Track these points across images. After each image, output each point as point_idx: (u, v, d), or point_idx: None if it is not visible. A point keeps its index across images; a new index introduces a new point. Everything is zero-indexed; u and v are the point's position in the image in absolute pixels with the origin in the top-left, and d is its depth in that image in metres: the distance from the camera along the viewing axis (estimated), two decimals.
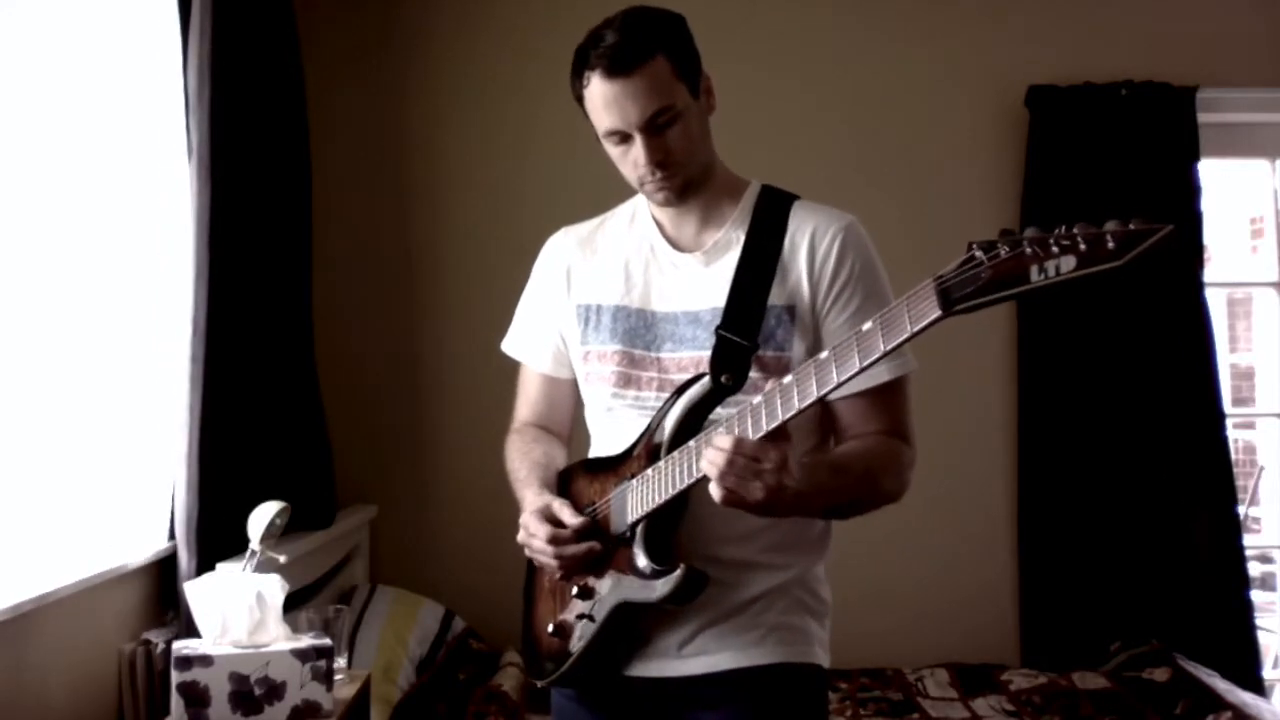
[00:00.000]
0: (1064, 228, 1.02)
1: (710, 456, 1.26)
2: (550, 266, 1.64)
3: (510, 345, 1.71)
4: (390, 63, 3.41)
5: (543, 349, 1.66)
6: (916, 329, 1.12)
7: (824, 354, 1.22)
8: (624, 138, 1.44)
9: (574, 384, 1.65)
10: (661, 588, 1.38)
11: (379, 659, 2.66)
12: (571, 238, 1.64)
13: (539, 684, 1.59)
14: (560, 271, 1.62)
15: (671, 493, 1.37)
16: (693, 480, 1.34)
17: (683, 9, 1.49)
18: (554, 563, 1.46)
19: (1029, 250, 1.03)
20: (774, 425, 1.26)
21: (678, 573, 1.37)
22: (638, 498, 1.43)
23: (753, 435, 1.27)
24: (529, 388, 1.70)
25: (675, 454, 1.38)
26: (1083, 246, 1.00)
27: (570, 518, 1.46)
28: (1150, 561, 3.26)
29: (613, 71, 1.40)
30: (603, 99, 1.42)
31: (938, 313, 1.09)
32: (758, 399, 1.29)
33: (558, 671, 1.52)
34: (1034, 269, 1.02)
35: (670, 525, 1.43)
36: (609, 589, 1.45)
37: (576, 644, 1.49)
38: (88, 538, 2.12)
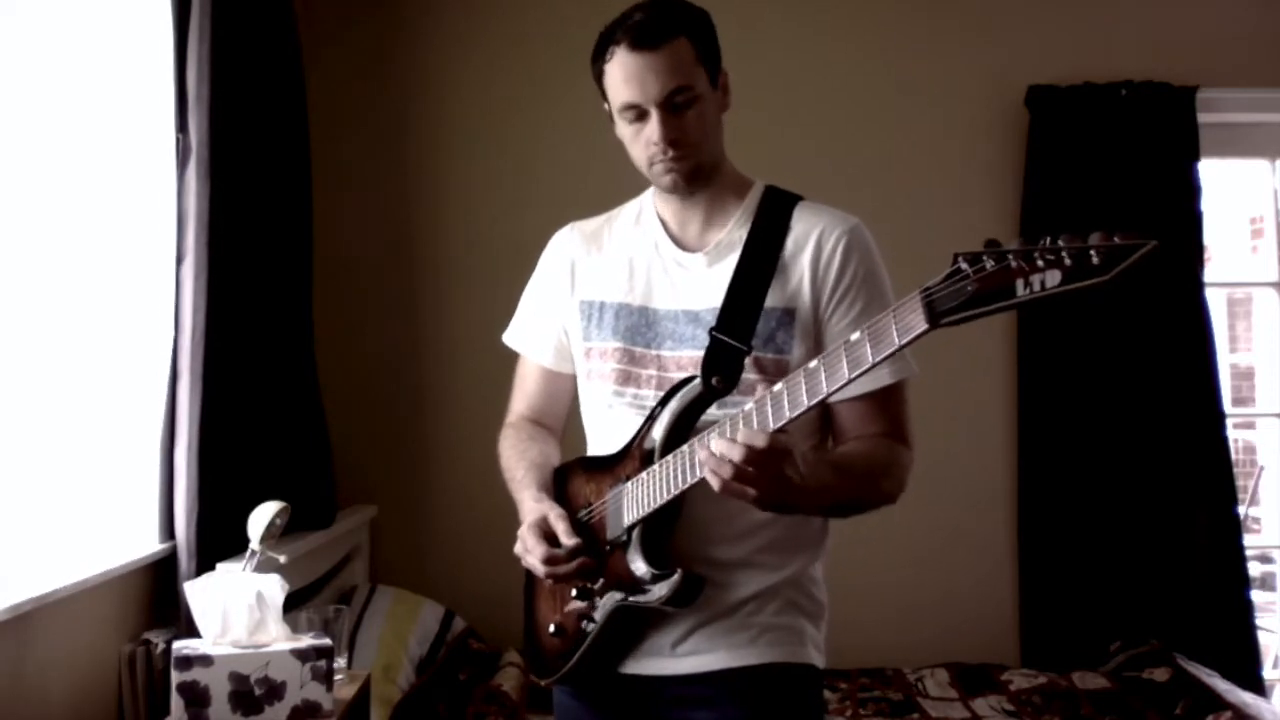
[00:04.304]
0: (1048, 239, 1.03)
1: (718, 449, 1.26)
2: (555, 261, 1.65)
3: (512, 337, 1.71)
4: (392, 62, 3.40)
5: (545, 342, 1.66)
6: (904, 342, 1.14)
7: (813, 363, 1.24)
8: (640, 115, 1.44)
9: (574, 379, 1.65)
10: (659, 592, 1.40)
11: (379, 659, 2.66)
12: (577, 234, 1.64)
13: (542, 683, 1.61)
14: (565, 267, 1.62)
15: (666, 497, 1.39)
16: (688, 485, 1.35)
17: None
18: (549, 579, 1.48)
19: (1014, 264, 1.04)
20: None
21: (675, 577, 1.38)
22: (633, 500, 1.44)
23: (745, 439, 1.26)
24: (528, 381, 1.71)
25: (670, 458, 1.39)
26: (1068, 261, 1.01)
27: (565, 536, 1.45)
28: (1150, 561, 3.26)
29: (637, 44, 1.41)
30: (624, 71, 1.43)
31: (924, 326, 1.11)
32: (749, 405, 1.30)
33: (559, 671, 1.53)
34: (1019, 283, 1.04)
35: (666, 528, 1.44)
36: (607, 592, 1.46)
37: (577, 645, 1.50)
38: (87, 538, 2.11)
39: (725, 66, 1.51)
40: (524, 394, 1.71)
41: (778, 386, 1.27)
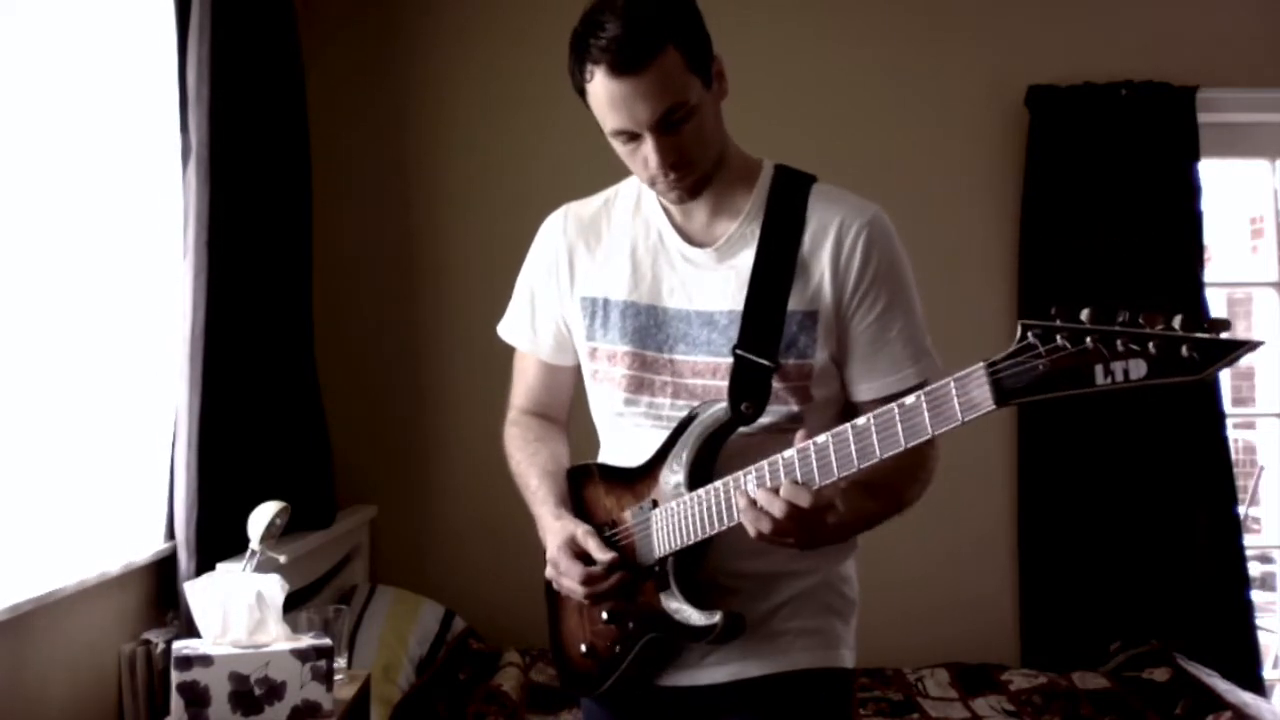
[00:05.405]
0: (1127, 315, 0.95)
1: (760, 500, 1.24)
2: (551, 251, 1.54)
3: (507, 331, 1.62)
4: (392, 61, 3.40)
5: (543, 335, 1.57)
6: (967, 419, 1.08)
7: (862, 421, 1.18)
8: (633, 136, 1.33)
9: (574, 370, 1.58)
10: (702, 635, 1.35)
11: (379, 659, 2.66)
12: (574, 220, 1.53)
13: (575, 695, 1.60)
14: (562, 258, 1.52)
15: (700, 536, 1.34)
16: (724, 527, 1.31)
17: None
18: (585, 600, 1.43)
19: (1092, 347, 0.96)
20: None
21: (717, 620, 1.33)
22: (663, 530, 1.38)
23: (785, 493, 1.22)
24: (528, 374, 1.63)
25: (702, 492, 1.34)
26: (1153, 351, 0.94)
27: (599, 551, 1.39)
28: (1150, 562, 3.26)
29: (619, 69, 1.27)
30: (609, 98, 1.30)
31: (990, 406, 1.05)
32: (790, 453, 1.25)
33: (594, 691, 1.50)
34: (1099, 370, 0.97)
35: (698, 558, 1.39)
36: (641, 622, 1.41)
37: (612, 667, 1.46)
38: (87, 538, 2.11)
39: (717, 52, 1.37)
40: (525, 387, 1.64)
41: (822, 439, 1.21)
